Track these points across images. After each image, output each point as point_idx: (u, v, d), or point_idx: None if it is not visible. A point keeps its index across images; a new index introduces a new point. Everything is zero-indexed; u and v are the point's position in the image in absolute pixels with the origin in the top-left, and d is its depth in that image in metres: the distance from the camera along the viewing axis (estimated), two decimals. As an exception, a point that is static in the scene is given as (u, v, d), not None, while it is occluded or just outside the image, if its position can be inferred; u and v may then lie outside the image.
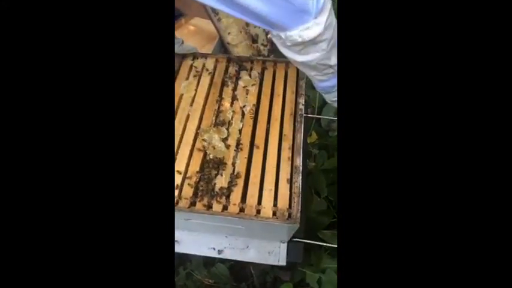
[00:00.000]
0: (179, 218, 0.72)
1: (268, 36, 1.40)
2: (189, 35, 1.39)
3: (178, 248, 0.88)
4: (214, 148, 0.71)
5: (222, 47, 1.31)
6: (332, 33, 0.53)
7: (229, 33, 1.30)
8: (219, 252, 0.84)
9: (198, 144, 0.74)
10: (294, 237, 0.85)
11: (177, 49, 0.83)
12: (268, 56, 1.34)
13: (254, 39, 1.36)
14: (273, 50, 1.40)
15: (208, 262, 0.99)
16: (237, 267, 1.00)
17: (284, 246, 0.85)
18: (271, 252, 0.86)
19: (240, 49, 1.31)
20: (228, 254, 0.87)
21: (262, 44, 1.38)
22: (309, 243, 0.86)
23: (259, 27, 1.36)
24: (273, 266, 1.00)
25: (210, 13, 1.23)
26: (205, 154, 0.72)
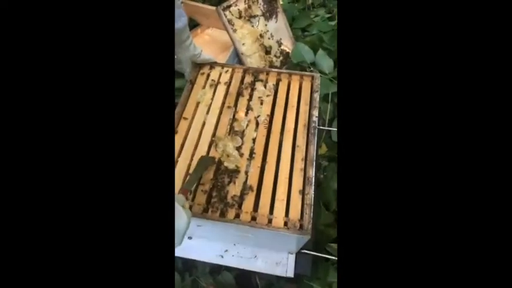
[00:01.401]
0: (191, 223, 0.73)
1: (281, 48, 1.43)
2: (204, 44, 1.42)
3: (186, 254, 0.89)
4: (228, 156, 0.73)
5: (236, 57, 1.34)
6: None
7: (243, 43, 1.33)
8: (225, 253, 0.84)
9: (212, 151, 0.75)
10: (302, 248, 0.85)
11: (196, 59, 0.86)
12: (280, 67, 1.37)
13: (267, 51, 1.38)
14: (286, 62, 1.42)
15: (214, 270, 0.99)
16: (243, 277, 0.99)
17: (292, 258, 0.85)
18: (279, 263, 0.85)
19: (254, 60, 1.34)
20: (235, 263, 0.87)
21: (275, 56, 1.41)
22: (316, 255, 0.86)
23: (273, 39, 1.40)
24: (278, 278, 0.99)
25: (226, 23, 1.27)
26: (219, 161, 0.73)
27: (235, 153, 0.73)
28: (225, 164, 0.72)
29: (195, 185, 0.67)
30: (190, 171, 0.72)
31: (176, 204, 0.53)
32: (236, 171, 0.71)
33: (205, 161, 0.70)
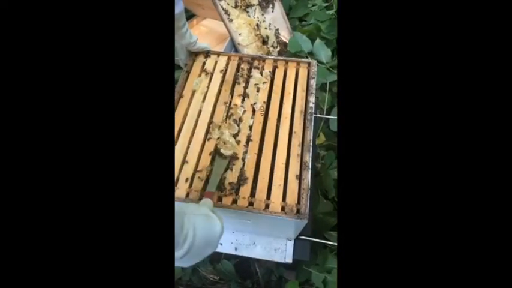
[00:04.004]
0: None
1: (278, 38, 1.42)
2: (200, 35, 1.41)
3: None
4: (225, 143, 0.73)
5: (233, 48, 1.33)
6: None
7: (240, 34, 1.32)
8: (223, 240, 0.85)
9: (209, 141, 0.75)
10: (300, 235, 0.85)
11: (191, 47, 0.85)
12: (278, 57, 1.36)
13: (264, 41, 1.38)
14: (283, 52, 1.41)
15: (214, 258, 1.00)
16: (243, 265, 1.00)
17: (291, 244, 0.85)
18: (278, 250, 0.86)
19: (250, 50, 1.33)
20: (234, 250, 0.87)
21: (272, 46, 1.40)
22: (315, 241, 0.86)
23: (269, 29, 1.38)
24: (278, 265, 1.00)
25: (222, 14, 1.26)
26: (216, 148, 0.73)
27: (232, 140, 0.73)
28: (222, 151, 0.72)
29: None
30: (187, 159, 0.72)
31: (207, 211, 0.51)
32: (233, 158, 0.71)
33: (222, 161, 0.70)
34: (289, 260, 0.83)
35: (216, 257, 0.99)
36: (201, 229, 0.45)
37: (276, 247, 0.86)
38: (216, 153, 0.72)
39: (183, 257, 0.43)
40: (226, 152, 0.71)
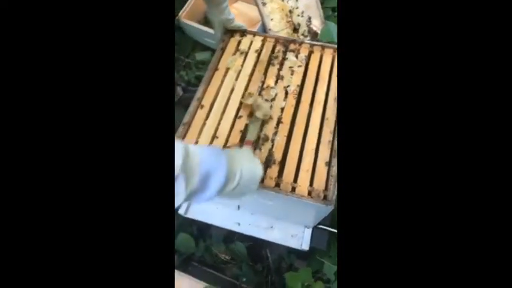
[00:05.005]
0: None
1: (310, 26, 1.39)
2: (231, 17, 1.40)
3: (205, 218, 0.90)
4: (258, 106, 0.73)
5: (263, 33, 1.31)
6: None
7: (272, 19, 1.30)
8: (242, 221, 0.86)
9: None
10: (319, 224, 0.85)
11: (229, 24, 0.84)
12: (308, 46, 1.34)
13: (296, 28, 1.35)
14: (313, 41, 1.39)
15: (227, 239, 1.01)
16: (255, 248, 1.00)
17: (308, 232, 0.85)
18: (295, 236, 0.86)
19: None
20: (251, 231, 0.88)
21: (302, 34, 1.37)
22: (333, 232, 0.86)
23: (302, 17, 1.36)
24: (289, 253, 1.00)
25: (257, -3, 1.24)
26: (246, 127, 0.73)
27: (267, 105, 0.74)
28: (256, 114, 0.72)
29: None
30: (217, 134, 0.72)
31: (250, 152, 0.64)
32: (266, 121, 0.73)
33: (256, 122, 0.74)
34: (306, 247, 0.83)
35: (230, 238, 1.00)
36: (247, 170, 0.55)
37: (293, 233, 0.86)
38: (250, 116, 0.75)
39: (233, 190, 0.53)
40: (260, 114, 0.72)
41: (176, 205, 0.42)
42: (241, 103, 0.76)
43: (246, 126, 0.73)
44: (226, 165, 0.50)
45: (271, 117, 0.73)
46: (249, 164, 0.57)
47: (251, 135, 0.71)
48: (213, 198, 0.49)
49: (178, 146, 0.42)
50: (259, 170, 0.60)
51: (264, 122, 0.73)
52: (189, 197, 0.45)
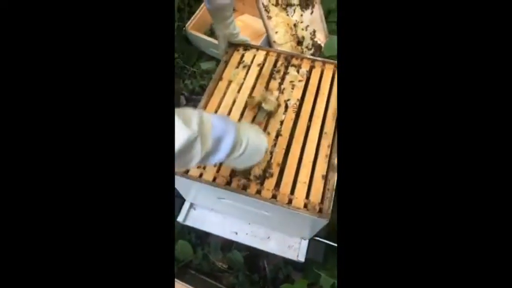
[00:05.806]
0: (213, 195, 0.75)
1: (314, 40, 1.42)
2: (237, 29, 1.43)
3: (202, 226, 0.92)
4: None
5: (268, 45, 1.34)
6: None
7: (276, 32, 1.33)
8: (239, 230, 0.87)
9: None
10: (315, 236, 0.86)
11: (233, 39, 0.87)
12: (311, 59, 1.36)
13: (299, 41, 1.38)
14: (317, 55, 1.41)
15: (225, 247, 1.02)
16: (252, 258, 1.01)
17: (305, 243, 0.86)
18: (291, 247, 0.87)
19: (285, 49, 1.34)
20: (248, 241, 0.89)
21: (306, 47, 1.40)
22: (329, 244, 0.86)
23: (306, 30, 1.39)
24: (286, 264, 1.00)
25: (262, 10, 1.27)
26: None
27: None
28: (264, 106, 0.76)
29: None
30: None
31: (258, 128, 0.66)
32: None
33: (263, 113, 0.79)
34: (301, 258, 0.83)
35: (228, 246, 1.00)
36: (253, 140, 0.58)
37: (290, 244, 0.87)
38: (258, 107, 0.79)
39: (238, 158, 0.56)
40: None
41: (193, 165, 0.48)
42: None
43: (258, 104, 0.78)
44: (235, 132, 0.53)
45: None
46: (255, 136, 0.60)
47: (261, 117, 0.77)
48: (222, 160, 0.55)
49: (194, 113, 0.47)
50: (264, 143, 0.63)
51: (271, 113, 0.78)
52: (204, 159, 0.50)
